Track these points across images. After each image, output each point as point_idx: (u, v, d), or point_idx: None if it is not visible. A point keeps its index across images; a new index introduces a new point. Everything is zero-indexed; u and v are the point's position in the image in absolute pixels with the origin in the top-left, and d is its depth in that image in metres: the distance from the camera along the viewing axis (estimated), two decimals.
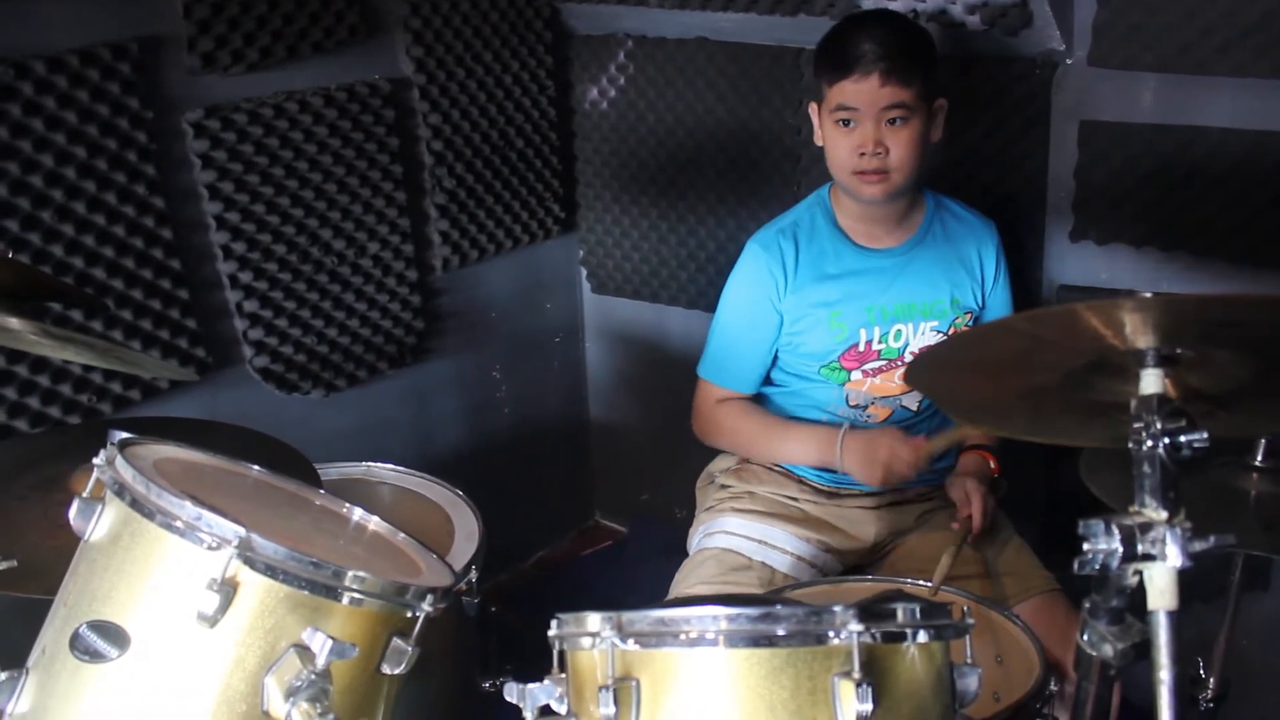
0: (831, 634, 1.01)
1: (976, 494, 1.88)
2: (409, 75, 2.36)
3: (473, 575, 1.66)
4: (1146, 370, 1.06)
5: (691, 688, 1.02)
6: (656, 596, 1.97)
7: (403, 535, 1.38)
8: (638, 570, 2.75)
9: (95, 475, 1.16)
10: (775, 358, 1.99)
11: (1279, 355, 1.05)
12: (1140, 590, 1.02)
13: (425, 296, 2.53)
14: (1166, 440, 1.01)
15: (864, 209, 1.91)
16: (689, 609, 1.04)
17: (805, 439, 1.95)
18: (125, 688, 1.06)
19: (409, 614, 1.16)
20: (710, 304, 2.09)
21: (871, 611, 1.01)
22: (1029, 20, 2.00)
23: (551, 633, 1.13)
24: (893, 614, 1.04)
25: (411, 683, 1.21)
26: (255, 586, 1.07)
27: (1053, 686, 1.47)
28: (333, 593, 1.09)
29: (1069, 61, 2.05)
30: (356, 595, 1.10)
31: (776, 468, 2.04)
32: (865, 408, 1.98)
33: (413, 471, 1.99)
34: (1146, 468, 1.02)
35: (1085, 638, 1.08)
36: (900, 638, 1.04)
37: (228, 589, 1.05)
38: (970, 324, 1.97)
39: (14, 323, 1.30)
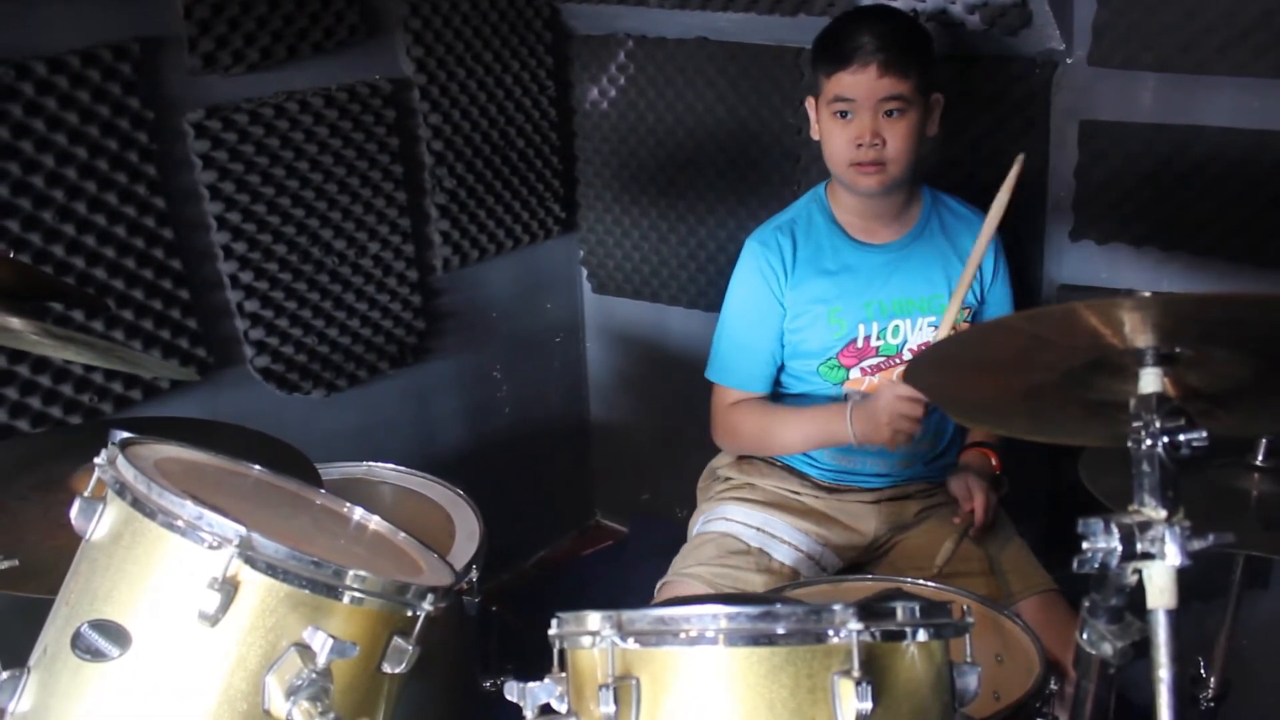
0: (831, 633, 1.01)
1: (978, 489, 1.89)
2: (409, 75, 2.37)
3: (473, 575, 1.67)
4: (1146, 369, 1.06)
5: (691, 686, 1.03)
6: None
7: (403, 535, 1.38)
8: (638, 570, 2.73)
9: (96, 475, 1.16)
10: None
11: (1279, 355, 1.05)
12: (1140, 589, 1.02)
13: (426, 296, 2.53)
14: (1166, 439, 1.01)
15: (861, 203, 1.92)
16: (689, 608, 1.04)
17: (816, 417, 1.93)
18: (127, 687, 1.06)
19: (410, 613, 1.16)
20: (710, 304, 2.09)
21: (871, 610, 1.02)
22: (1029, 20, 2.00)
23: (552, 632, 1.13)
24: (892, 613, 1.04)
25: (412, 682, 1.21)
26: (256, 586, 1.07)
27: (1053, 685, 1.48)
28: (334, 592, 1.09)
29: (1069, 61, 2.05)
30: (357, 594, 1.11)
31: (778, 462, 2.04)
32: None
33: (414, 471, 1.99)
34: (1145, 466, 1.02)
35: (1085, 636, 1.08)
36: (900, 636, 1.04)
37: (229, 588, 1.05)
38: (969, 320, 1.97)
39: (15, 323, 1.30)
